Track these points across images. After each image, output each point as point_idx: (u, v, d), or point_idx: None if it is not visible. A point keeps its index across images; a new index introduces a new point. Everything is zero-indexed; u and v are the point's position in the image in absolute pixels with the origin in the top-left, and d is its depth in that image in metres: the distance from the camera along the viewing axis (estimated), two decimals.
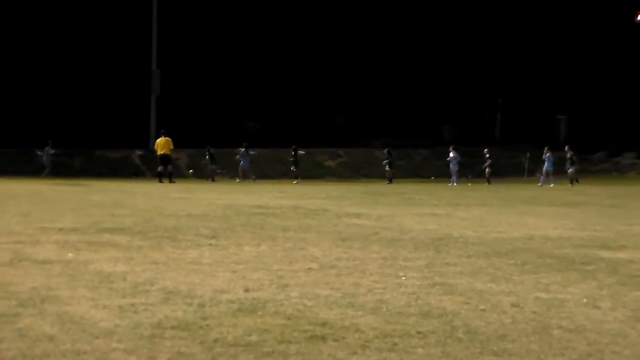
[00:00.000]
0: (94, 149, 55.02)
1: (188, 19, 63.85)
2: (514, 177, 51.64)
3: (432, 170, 53.22)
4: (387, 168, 46.19)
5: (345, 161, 57.29)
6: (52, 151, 50.47)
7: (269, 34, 66.12)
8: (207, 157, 47.01)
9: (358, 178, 51.43)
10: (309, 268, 8.98)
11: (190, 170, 48.20)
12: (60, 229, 12.80)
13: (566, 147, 45.11)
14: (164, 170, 40.66)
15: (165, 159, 41.10)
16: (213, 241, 11.50)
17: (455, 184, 42.37)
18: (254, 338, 5.53)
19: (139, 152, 53.88)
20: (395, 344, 5.45)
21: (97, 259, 9.43)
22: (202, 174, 47.15)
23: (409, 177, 50.77)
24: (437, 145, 58.85)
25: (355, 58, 67.45)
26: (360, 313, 6.44)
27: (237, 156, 46.51)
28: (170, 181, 39.03)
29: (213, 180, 45.01)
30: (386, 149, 47.70)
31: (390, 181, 44.39)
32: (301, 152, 49.22)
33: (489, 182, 44.25)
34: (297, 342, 5.43)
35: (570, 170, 43.51)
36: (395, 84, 67.89)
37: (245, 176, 45.41)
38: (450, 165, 45.24)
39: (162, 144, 41.18)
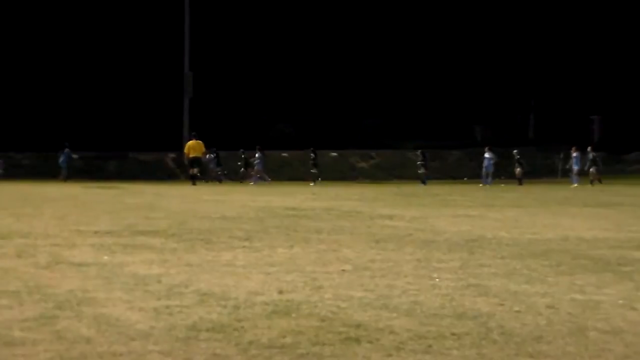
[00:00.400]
0: (127, 152, 55.35)
1: (221, 22, 64.03)
2: (547, 178, 51.34)
3: (465, 172, 53.02)
4: (421, 170, 46.07)
5: (378, 163, 57.17)
6: (71, 155, 50.92)
7: (302, 36, 66.14)
8: (257, 154, 46.98)
9: (390, 180, 51.31)
10: (343, 270, 8.98)
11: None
12: (96, 232, 12.90)
13: (588, 147, 44.98)
14: (193, 172, 40.87)
15: (196, 161, 41.27)
16: (247, 243, 11.54)
17: (489, 185, 42.18)
18: (288, 340, 5.54)
19: (172, 155, 54.06)
20: (430, 346, 5.44)
21: (132, 261, 9.49)
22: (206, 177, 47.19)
23: (441, 178, 50.59)
24: (470, 146, 58.60)
25: (387, 59, 67.33)
26: (394, 315, 6.43)
27: (253, 159, 46.52)
28: (193, 184, 39.20)
29: (242, 181, 45.22)
30: (419, 150, 47.58)
31: (425, 183, 44.27)
32: (333, 153, 49.19)
33: (520, 183, 44.04)
34: (331, 344, 5.44)
35: (591, 170, 43.46)
36: (428, 85, 67.67)
37: (260, 178, 45.36)
38: (485, 166, 45.05)
39: (193, 147, 41.34)
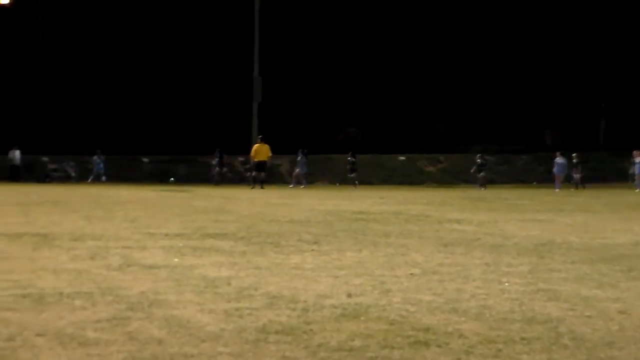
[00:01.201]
0: (197, 156, 55.82)
1: (290, 26, 64.32)
2: (617, 182, 50.60)
3: (533, 176, 52.46)
4: (481, 174, 45.70)
5: (446, 167, 56.81)
6: (102, 158, 51.87)
7: (369, 40, 66.15)
8: (299, 159, 46.98)
9: (458, 184, 51.01)
10: (411, 273, 8.98)
11: (171, 179, 48.47)
12: (166, 235, 13.06)
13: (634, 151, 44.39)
14: (259, 176, 41.06)
15: (262, 165, 41.49)
16: (315, 247, 11.58)
17: (558, 190, 41.72)
18: (357, 343, 5.55)
19: (241, 159, 54.39)
20: (500, 350, 5.41)
21: (202, 264, 9.59)
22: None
23: (510, 182, 50.18)
24: (539, 150, 57.95)
25: (458, 63, 67.01)
26: (463, 319, 6.41)
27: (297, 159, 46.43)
28: (261, 187, 39.42)
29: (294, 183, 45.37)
30: (478, 154, 47.18)
31: (484, 187, 43.92)
32: (401, 157, 49.02)
33: (582, 187, 43.54)
34: (400, 348, 5.44)
35: None
36: (497, 89, 67.17)
37: (298, 182, 45.25)
38: (555, 171, 44.57)
39: (260, 150, 41.58)
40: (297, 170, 46.09)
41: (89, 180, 49.66)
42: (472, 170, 46.59)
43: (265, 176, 41.92)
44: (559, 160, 44.76)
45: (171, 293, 7.47)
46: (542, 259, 10.37)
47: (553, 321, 6.35)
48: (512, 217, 18.74)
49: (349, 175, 46.65)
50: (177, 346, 5.41)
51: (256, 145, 42.51)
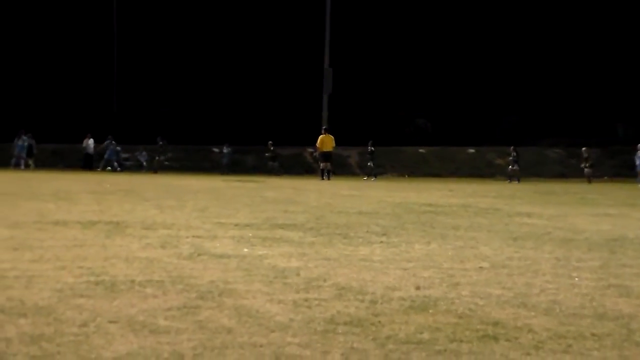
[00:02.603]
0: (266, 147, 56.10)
1: (360, 18, 64.22)
2: None
3: (605, 170, 51.74)
4: (514, 167, 45.15)
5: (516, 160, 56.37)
6: (118, 148, 52.75)
7: (440, 33, 65.78)
8: (369, 154, 46.97)
9: (528, 177, 50.47)
10: (480, 267, 8.94)
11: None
12: (236, 225, 13.15)
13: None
14: (325, 166, 41.23)
15: (328, 156, 41.68)
16: (384, 238, 11.58)
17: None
18: (425, 336, 5.55)
19: (310, 150, 54.56)
20: (570, 346, 5.37)
21: (271, 254, 9.65)
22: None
23: (580, 176, 49.56)
24: (611, 144, 57.13)
25: (526, 56, 66.30)
26: (533, 313, 6.37)
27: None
28: (325, 178, 39.53)
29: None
30: (512, 147, 46.50)
31: (516, 180, 43.37)
32: (470, 150, 48.72)
33: (589, 181, 42.89)
34: (469, 341, 5.43)
35: None
36: (568, 82, 66.32)
37: (370, 173, 45.32)
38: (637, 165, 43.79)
39: (326, 141, 41.79)
40: (369, 164, 46.38)
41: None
42: (583, 165, 45.81)
43: (332, 166, 42.08)
44: None
45: (241, 283, 7.53)
46: (613, 254, 10.24)
47: (624, 317, 6.28)
48: (583, 211, 18.54)
49: (367, 164, 46.39)
50: (247, 335, 5.45)
51: (321, 136, 42.75)
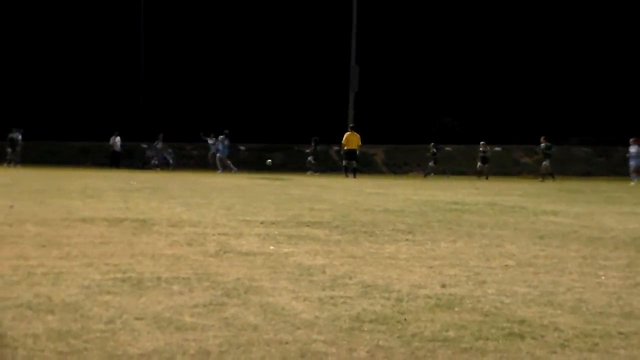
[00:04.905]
0: (292, 144, 56.19)
1: (387, 15, 64.19)
2: None
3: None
4: (546, 161, 44.88)
5: (542, 158, 56.10)
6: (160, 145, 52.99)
7: (466, 29, 65.62)
8: (432, 154, 47.24)
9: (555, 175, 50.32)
10: (506, 265, 8.91)
11: (268, 161, 48.50)
12: (262, 222, 13.17)
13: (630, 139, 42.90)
14: (349, 164, 41.25)
15: (353, 154, 41.71)
16: (410, 236, 11.57)
17: (633, 182, 40.22)
18: (451, 334, 5.54)
19: (336, 148, 54.58)
20: (596, 344, 5.34)
21: (297, 251, 9.65)
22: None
23: (608, 175, 49.29)
24: None
25: (554, 54, 66.01)
26: (559, 312, 6.34)
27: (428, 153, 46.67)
28: (349, 176, 39.53)
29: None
30: (542, 137, 46.13)
31: (551, 177, 43.09)
32: (497, 148, 48.56)
33: (542, 179, 42.53)
34: (494, 339, 5.41)
35: None
36: (596, 80, 65.96)
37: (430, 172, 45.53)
38: (630, 162, 43.21)
39: (351, 139, 41.82)
40: (430, 164, 46.53)
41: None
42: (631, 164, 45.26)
43: (357, 164, 42.09)
44: (633, 149, 43.34)
45: (266, 280, 7.54)
46: None
47: None
48: (609, 209, 18.43)
49: (430, 164, 46.57)
50: (272, 333, 5.46)
51: (347, 133, 42.79)
